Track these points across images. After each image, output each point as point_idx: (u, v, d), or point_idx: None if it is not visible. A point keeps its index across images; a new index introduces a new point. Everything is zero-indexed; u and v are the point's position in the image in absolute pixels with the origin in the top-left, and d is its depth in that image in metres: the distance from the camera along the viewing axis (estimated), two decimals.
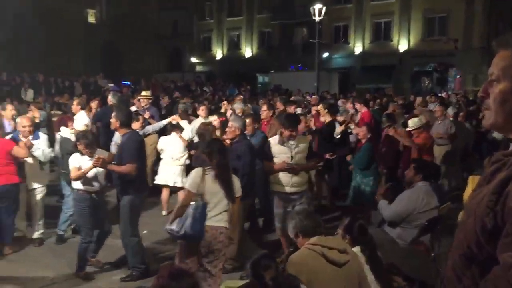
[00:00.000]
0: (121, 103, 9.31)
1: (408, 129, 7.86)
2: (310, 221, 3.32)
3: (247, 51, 36.52)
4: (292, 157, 5.53)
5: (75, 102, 8.51)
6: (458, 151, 9.27)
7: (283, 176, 5.53)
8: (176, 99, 13.65)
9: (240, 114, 7.84)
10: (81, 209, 5.50)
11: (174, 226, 4.28)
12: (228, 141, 5.98)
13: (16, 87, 16.52)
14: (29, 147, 6.20)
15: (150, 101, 10.07)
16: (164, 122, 8.48)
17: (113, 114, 5.57)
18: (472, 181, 5.62)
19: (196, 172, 4.42)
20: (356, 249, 3.54)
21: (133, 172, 5.22)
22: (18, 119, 6.68)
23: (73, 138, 6.69)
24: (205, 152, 4.54)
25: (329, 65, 31.25)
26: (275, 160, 5.58)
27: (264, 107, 8.71)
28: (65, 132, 6.91)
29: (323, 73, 26.84)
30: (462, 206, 5.62)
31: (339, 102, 14.22)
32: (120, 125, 5.43)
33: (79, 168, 5.38)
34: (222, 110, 9.36)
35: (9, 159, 6.07)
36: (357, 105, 10.45)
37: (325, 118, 8.37)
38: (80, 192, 5.49)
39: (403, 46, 29.96)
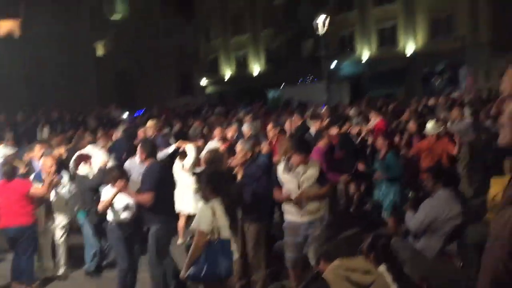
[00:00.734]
0: (128, 136, 9.41)
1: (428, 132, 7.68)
2: (330, 245, 3.28)
3: (256, 68, 36.71)
4: (299, 186, 5.23)
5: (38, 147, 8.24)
6: (480, 152, 9.10)
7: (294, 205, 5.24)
8: (187, 124, 13.71)
9: (247, 135, 7.77)
10: (115, 240, 5.69)
11: (193, 271, 4.24)
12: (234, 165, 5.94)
13: (31, 127, 16.79)
14: (55, 185, 6.44)
15: (156, 130, 9.95)
16: (170, 149, 8.41)
17: (139, 146, 5.88)
18: (495, 184, 5.54)
19: (205, 209, 4.33)
20: (382, 268, 3.48)
21: (148, 202, 5.32)
22: (42, 160, 6.85)
23: (91, 175, 6.81)
24: (208, 186, 4.44)
25: (338, 74, 31.20)
26: (285, 187, 5.33)
27: (270, 126, 8.53)
28: (83, 170, 6.98)
29: (333, 83, 26.81)
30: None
31: (352, 112, 14.16)
32: (146, 157, 5.66)
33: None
34: (229, 135, 9.16)
35: (26, 200, 6.21)
36: (371, 115, 10.32)
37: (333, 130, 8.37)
38: (113, 223, 5.66)
39: (410, 49, 29.81)
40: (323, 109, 15.78)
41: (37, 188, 6.33)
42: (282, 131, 9.11)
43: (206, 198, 4.59)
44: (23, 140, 12.64)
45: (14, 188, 6.23)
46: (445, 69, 28.14)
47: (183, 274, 4.39)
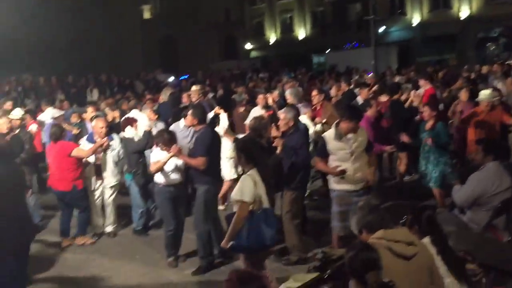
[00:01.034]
0: (173, 100, 9.51)
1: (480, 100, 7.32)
2: (374, 215, 3.22)
3: (301, 33, 36.02)
4: (351, 153, 5.20)
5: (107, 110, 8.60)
6: None
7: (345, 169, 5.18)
8: (231, 90, 13.72)
9: (290, 102, 7.64)
10: (162, 201, 5.87)
11: (236, 242, 4.25)
12: (276, 134, 5.93)
13: (81, 89, 17.27)
14: (106, 148, 6.72)
15: (200, 95, 9.92)
16: (210, 115, 8.34)
17: (190, 111, 6.00)
18: None
19: (246, 179, 4.29)
20: (426, 240, 3.42)
21: (202, 166, 5.47)
22: (93, 122, 7.10)
23: (136, 138, 6.99)
24: (242, 155, 4.39)
25: (386, 39, 30.21)
26: (333, 157, 5.28)
27: (315, 92, 8.40)
28: (129, 132, 7.15)
29: (380, 49, 26.00)
30: None
31: (398, 79, 13.77)
32: (197, 122, 5.77)
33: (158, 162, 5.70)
34: (270, 103, 9.07)
35: (72, 163, 6.45)
36: (421, 82, 9.96)
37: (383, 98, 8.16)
38: (161, 185, 5.82)
39: (464, 13, 28.34)
40: (369, 76, 15.43)
41: (80, 150, 6.58)
42: (327, 98, 9.01)
43: (242, 166, 4.60)
44: (73, 102, 13.04)
45: (60, 150, 6.51)
46: (501, 34, 26.68)
47: (224, 243, 4.42)
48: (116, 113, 8.63)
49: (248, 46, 37.88)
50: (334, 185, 5.36)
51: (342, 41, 30.67)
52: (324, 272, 3.89)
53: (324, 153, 5.35)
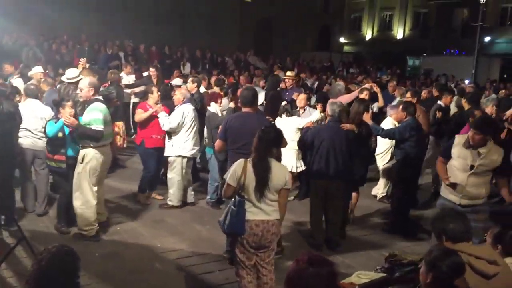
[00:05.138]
0: (272, 83, 9.56)
1: None
2: (458, 224, 3.06)
3: (399, 33, 34.83)
4: (472, 166, 4.82)
5: (191, 80, 8.51)
6: None
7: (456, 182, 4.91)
8: (323, 80, 13.61)
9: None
10: None
11: (221, 218, 4.22)
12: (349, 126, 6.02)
13: (176, 61, 17.95)
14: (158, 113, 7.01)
15: (294, 81, 10.09)
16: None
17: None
18: None
19: (237, 163, 4.14)
20: (509, 261, 3.23)
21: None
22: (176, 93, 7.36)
23: (220, 113, 7.15)
24: (257, 137, 4.16)
25: (490, 49, 28.41)
26: (453, 162, 4.98)
27: (408, 94, 8.23)
28: (213, 108, 7.34)
29: (482, 59, 24.52)
30: None
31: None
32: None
33: None
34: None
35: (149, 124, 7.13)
36: None
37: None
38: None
39: None
40: (468, 85, 14.65)
41: (140, 112, 7.10)
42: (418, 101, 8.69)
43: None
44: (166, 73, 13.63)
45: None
46: None
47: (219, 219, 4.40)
48: (193, 86, 8.60)
49: (342, 40, 37.28)
50: (443, 191, 5.13)
51: (442, 46, 29.28)
52: (392, 274, 3.80)
53: (447, 154, 5.10)
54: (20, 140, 6.30)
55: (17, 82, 8.53)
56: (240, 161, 4.12)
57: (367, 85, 9.03)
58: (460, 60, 25.18)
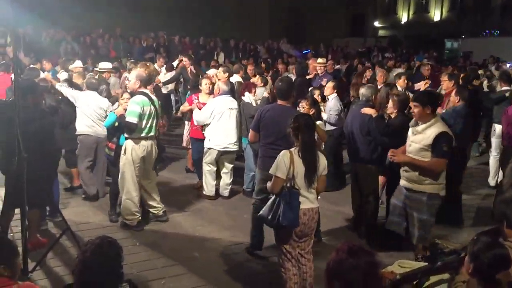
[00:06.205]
0: (300, 70, 9.59)
1: None
2: None
3: (436, 15, 33.82)
4: (409, 145, 4.81)
5: (221, 70, 8.41)
6: None
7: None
8: (355, 66, 13.42)
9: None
10: None
11: (266, 213, 4.15)
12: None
13: (209, 51, 18.04)
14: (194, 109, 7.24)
15: (325, 68, 10.20)
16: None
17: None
18: None
19: (283, 155, 4.08)
20: None
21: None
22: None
23: (254, 103, 7.15)
24: (291, 127, 4.12)
25: None
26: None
27: (445, 77, 7.82)
28: (248, 97, 7.33)
29: None
30: None
31: None
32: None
33: None
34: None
35: None
36: None
37: None
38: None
39: None
40: (510, 67, 14.15)
41: (185, 105, 7.50)
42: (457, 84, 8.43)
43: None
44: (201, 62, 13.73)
45: None
46: None
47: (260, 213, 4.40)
48: (225, 75, 8.53)
49: (377, 24, 36.53)
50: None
51: (481, 28, 28.26)
52: (434, 263, 3.73)
53: None
54: (85, 128, 6.82)
55: (63, 76, 9.08)
56: (285, 152, 4.08)
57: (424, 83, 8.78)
58: (502, 42, 24.24)
